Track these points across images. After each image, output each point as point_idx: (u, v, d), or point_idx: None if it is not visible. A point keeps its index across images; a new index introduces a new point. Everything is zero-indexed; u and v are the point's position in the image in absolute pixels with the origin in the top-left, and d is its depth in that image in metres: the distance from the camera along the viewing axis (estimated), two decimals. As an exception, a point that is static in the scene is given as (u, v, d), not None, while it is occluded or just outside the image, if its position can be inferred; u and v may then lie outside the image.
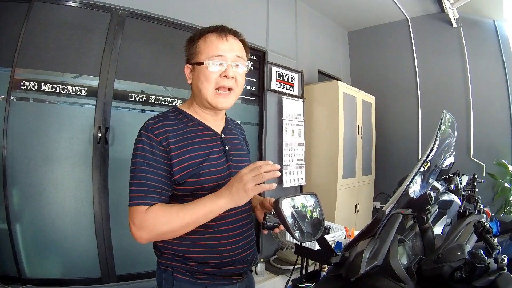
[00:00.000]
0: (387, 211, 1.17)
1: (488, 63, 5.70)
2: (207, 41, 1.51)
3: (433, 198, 1.34)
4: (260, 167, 1.31)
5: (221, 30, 1.54)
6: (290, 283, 1.51)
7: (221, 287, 1.53)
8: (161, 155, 1.42)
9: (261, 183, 1.31)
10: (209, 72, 1.48)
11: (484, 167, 5.55)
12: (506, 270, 0.99)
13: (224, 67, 1.50)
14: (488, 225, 1.18)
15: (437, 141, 1.34)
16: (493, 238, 1.12)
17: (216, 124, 1.66)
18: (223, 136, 1.64)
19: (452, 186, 2.84)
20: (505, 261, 1.01)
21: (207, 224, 1.41)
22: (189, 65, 1.57)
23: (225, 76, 1.49)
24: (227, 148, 1.61)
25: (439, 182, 2.84)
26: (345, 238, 3.65)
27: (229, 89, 1.54)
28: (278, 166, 1.35)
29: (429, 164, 1.46)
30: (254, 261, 1.69)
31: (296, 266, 1.58)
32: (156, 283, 1.63)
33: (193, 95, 1.61)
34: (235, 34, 1.61)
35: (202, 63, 1.48)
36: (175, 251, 1.50)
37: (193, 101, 1.62)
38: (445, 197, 2.53)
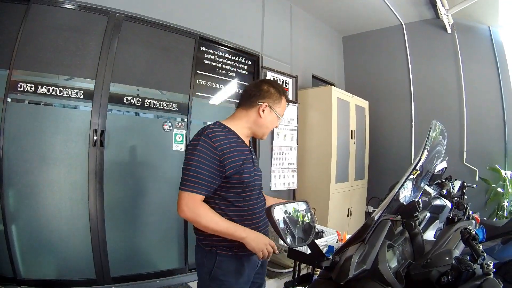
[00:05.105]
0: (376, 218, 1.20)
1: (482, 68, 5.74)
2: (284, 103, 2.19)
3: (421, 205, 1.37)
4: (275, 251, 1.92)
5: (289, 102, 2.17)
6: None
7: (248, 257, 1.96)
8: (215, 158, 1.82)
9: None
10: (276, 123, 2.17)
11: (477, 172, 5.59)
12: (492, 275, 1.02)
13: (278, 122, 2.19)
14: (474, 232, 1.21)
15: (426, 150, 1.37)
16: (479, 244, 1.15)
17: (247, 140, 2.12)
18: (251, 149, 2.11)
19: (444, 191, 2.87)
20: (491, 267, 1.03)
21: (246, 213, 1.96)
22: (269, 106, 2.08)
23: (276, 126, 2.20)
24: (254, 157, 2.10)
25: (432, 187, 2.87)
26: (337, 242, 3.67)
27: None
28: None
29: (418, 172, 1.49)
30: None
31: (290, 269, 1.64)
32: (196, 264, 2.06)
33: (253, 121, 2.09)
34: None
35: (280, 117, 2.15)
36: None
37: (242, 122, 2.09)
38: (437, 202, 2.56)
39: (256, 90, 2.13)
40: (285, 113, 2.22)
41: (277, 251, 1.92)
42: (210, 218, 1.80)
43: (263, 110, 2.06)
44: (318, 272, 1.29)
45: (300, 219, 1.33)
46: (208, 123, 2.10)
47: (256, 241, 1.82)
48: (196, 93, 4.31)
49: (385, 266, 1.11)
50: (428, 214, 2.16)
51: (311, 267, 1.70)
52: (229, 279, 1.92)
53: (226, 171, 1.84)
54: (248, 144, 2.13)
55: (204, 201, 1.85)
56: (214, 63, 4.59)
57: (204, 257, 1.95)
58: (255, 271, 2.08)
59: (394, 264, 1.23)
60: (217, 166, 1.82)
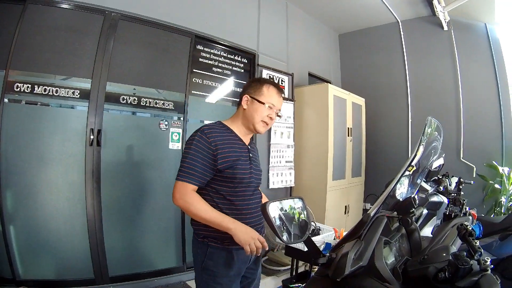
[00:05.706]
0: (372, 214, 1.20)
1: (479, 66, 5.75)
2: (269, 91, 2.21)
3: (417, 201, 1.37)
4: (265, 248, 1.94)
5: (279, 90, 2.28)
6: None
7: (238, 251, 2.01)
8: (208, 152, 1.98)
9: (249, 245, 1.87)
10: (265, 110, 2.17)
11: (474, 168, 5.60)
12: (489, 271, 1.02)
13: (272, 111, 2.21)
14: (471, 228, 1.21)
15: (421, 146, 1.37)
16: (476, 240, 1.14)
17: (246, 139, 2.27)
18: (249, 147, 2.26)
19: (442, 188, 2.87)
20: (488, 263, 1.03)
21: (238, 207, 2.05)
22: (249, 97, 2.20)
23: (270, 117, 2.20)
24: (251, 155, 2.22)
25: (429, 184, 2.88)
26: (334, 239, 3.67)
27: (267, 123, 2.23)
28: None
29: (414, 168, 1.49)
30: (261, 234, 2.17)
31: (287, 267, 1.64)
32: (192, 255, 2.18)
33: (242, 117, 2.23)
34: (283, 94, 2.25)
35: (263, 103, 2.16)
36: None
37: (237, 120, 2.25)
38: (435, 199, 2.56)
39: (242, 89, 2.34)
40: (274, 102, 2.22)
41: (266, 248, 1.95)
42: (200, 206, 1.93)
43: (246, 101, 2.21)
44: (316, 269, 1.29)
45: (296, 216, 1.34)
46: (206, 122, 2.19)
47: (244, 234, 1.88)
48: (193, 92, 4.30)
49: (382, 263, 1.11)
50: (426, 211, 2.17)
51: (308, 264, 1.71)
52: (220, 270, 2.03)
53: (218, 165, 2.00)
54: (247, 143, 2.27)
55: (199, 193, 2.01)
56: (210, 62, 4.59)
57: (198, 248, 2.09)
58: (246, 265, 2.16)
59: (391, 260, 1.23)
60: (210, 159, 1.99)
